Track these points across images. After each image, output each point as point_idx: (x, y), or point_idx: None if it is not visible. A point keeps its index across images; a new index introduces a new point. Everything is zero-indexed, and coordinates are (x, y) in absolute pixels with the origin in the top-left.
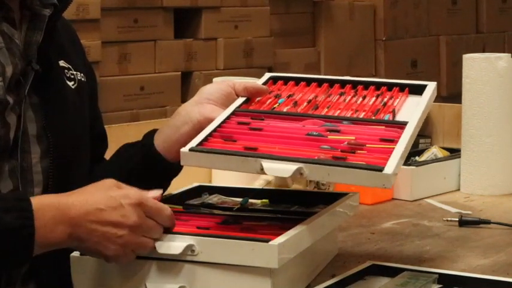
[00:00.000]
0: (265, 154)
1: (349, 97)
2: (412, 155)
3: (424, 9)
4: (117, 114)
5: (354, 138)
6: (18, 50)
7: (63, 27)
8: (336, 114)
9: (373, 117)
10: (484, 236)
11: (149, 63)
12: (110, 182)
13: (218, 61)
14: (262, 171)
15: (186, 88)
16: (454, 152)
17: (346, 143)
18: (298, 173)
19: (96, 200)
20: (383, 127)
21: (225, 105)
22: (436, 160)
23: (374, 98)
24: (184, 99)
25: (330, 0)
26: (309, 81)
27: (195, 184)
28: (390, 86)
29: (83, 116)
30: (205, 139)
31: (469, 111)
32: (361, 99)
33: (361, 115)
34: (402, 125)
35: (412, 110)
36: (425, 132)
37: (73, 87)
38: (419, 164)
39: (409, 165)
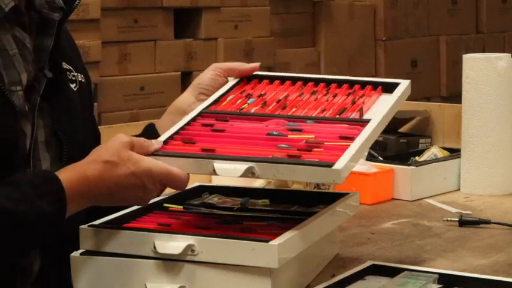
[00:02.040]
0: (217, 155)
1: (320, 95)
2: (412, 155)
3: (424, 9)
4: (117, 114)
5: (313, 136)
6: (31, 56)
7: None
8: (302, 114)
9: (338, 116)
10: (484, 236)
11: (149, 63)
12: (124, 140)
13: (218, 61)
14: (214, 172)
15: (186, 88)
16: (454, 152)
17: (304, 141)
18: (250, 172)
19: (119, 177)
20: (346, 125)
21: None
22: (436, 160)
23: (345, 97)
24: None
25: (330, 0)
26: (283, 80)
27: (196, 184)
28: (363, 84)
29: (87, 117)
30: (165, 142)
31: (469, 111)
32: (331, 97)
33: (328, 114)
34: (365, 122)
35: (381, 108)
36: (425, 132)
37: (75, 89)
38: (419, 164)
39: (409, 165)
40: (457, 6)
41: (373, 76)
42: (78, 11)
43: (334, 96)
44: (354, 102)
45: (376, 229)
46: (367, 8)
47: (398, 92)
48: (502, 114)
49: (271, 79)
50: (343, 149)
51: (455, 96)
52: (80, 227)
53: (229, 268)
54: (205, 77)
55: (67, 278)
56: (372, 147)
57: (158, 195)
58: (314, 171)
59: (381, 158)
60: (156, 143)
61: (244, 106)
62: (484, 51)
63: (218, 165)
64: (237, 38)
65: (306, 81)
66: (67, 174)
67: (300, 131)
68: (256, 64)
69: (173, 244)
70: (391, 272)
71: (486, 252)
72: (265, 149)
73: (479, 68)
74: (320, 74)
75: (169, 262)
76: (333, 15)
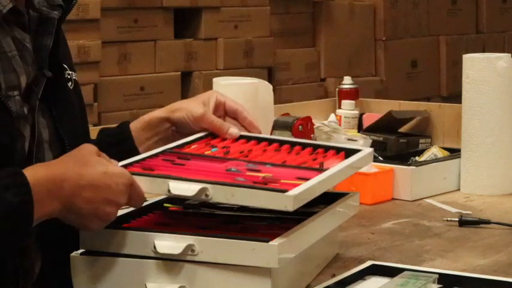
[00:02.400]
0: (172, 176)
1: (284, 154)
2: (412, 155)
3: (424, 9)
4: (117, 114)
5: (271, 175)
6: (31, 57)
7: None
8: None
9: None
10: (484, 236)
11: (149, 63)
12: (91, 149)
13: (218, 61)
14: (169, 192)
15: (186, 88)
16: (454, 152)
17: (261, 177)
18: (203, 193)
19: (90, 175)
20: (304, 170)
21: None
22: (436, 160)
23: (307, 155)
24: (184, 99)
25: (330, 0)
26: (248, 139)
27: None
28: (327, 149)
29: (83, 116)
30: (125, 166)
31: (469, 111)
32: (294, 155)
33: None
34: (323, 170)
35: (340, 164)
36: (425, 132)
37: (71, 87)
38: (419, 164)
39: (409, 165)
40: (457, 6)
41: (373, 76)
42: (78, 11)
43: (297, 154)
44: (315, 159)
45: (376, 229)
46: (367, 8)
47: (357, 156)
48: (502, 114)
49: (237, 138)
50: (298, 185)
51: (455, 96)
52: None
53: (229, 268)
54: (188, 113)
55: (67, 278)
56: (372, 147)
57: (121, 206)
58: (267, 196)
59: (381, 158)
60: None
61: (207, 152)
62: (484, 51)
63: (173, 184)
64: (237, 38)
65: (270, 141)
66: (32, 172)
67: (258, 171)
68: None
69: (173, 244)
70: (391, 272)
71: (486, 252)
72: (223, 179)
73: (479, 68)
74: (320, 74)
75: (169, 262)
76: (333, 15)
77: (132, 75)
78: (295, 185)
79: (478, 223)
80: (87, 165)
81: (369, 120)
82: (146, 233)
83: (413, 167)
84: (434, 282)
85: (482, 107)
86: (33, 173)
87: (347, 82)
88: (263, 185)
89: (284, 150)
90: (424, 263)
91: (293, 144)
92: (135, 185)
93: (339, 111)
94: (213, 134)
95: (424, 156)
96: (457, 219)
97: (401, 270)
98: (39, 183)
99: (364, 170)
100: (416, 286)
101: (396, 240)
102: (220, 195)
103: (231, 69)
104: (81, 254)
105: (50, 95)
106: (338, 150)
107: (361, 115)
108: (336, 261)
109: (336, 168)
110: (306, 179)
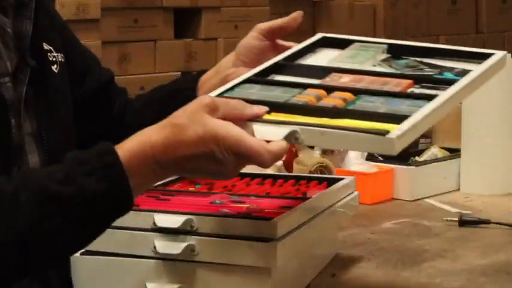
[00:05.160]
0: (158, 209)
1: (267, 186)
2: (412, 155)
3: (424, 9)
4: None
5: (255, 206)
6: (12, 42)
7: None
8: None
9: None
10: (484, 236)
11: (149, 63)
12: (204, 102)
13: (218, 61)
14: (154, 224)
15: None
16: (454, 152)
17: (245, 208)
18: (189, 225)
19: (186, 144)
20: (289, 200)
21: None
22: (436, 160)
23: (290, 187)
24: None
25: (330, 0)
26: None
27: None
28: (309, 180)
29: (69, 102)
30: None
31: (469, 111)
32: (277, 187)
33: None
34: (307, 199)
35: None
36: (425, 132)
37: (56, 71)
38: (419, 164)
39: (409, 165)
40: (457, 6)
41: None
42: (78, 11)
43: (280, 186)
44: (297, 190)
45: (376, 229)
46: (367, 8)
47: (342, 182)
48: (502, 114)
49: None
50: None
51: None
52: None
53: (229, 268)
54: (245, 39)
55: (67, 278)
56: None
57: (240, 170)
58: (246, 223)
59: (381, 158)
60: (257, 108)
61: (191, 188)
62: None
63: (158, 217)
64: (237, 38)
65: (253, 176)
66: (128, 145)
67: (243, 202)
68: (298, 13)
69: (173, 244)
70: (342, 44)
71: (486, 252)
72: (207, 211)
73: None
74: None
75: (169, 262)
76: (333, 15)
77: (132, 75)
78: (280, 213)
79: (478, 223)
80: (186, 128)
81: None
82: (146, 233)
83: (413, 167)
84: (383, 52)
85: (482, 107)
86: (128, 146)
87: None
88: (247, 214)
89: (267, 183)
90: (424, 263)
91: (276, 177)
92: (239, 145)
93: None
94: None
95: (424, 156)
96: (457, 219)
97: (352, 41)
98: (131, 157)
99: (364, 170)
100: (366, 57)
101: (396, 240)
102: (206, 224)
103: None
104: (81, 254)
105: (33, 85)
106: (320, 180)
107: None
108: (335, 261)
109: (318, 196)
110: (290, 208)
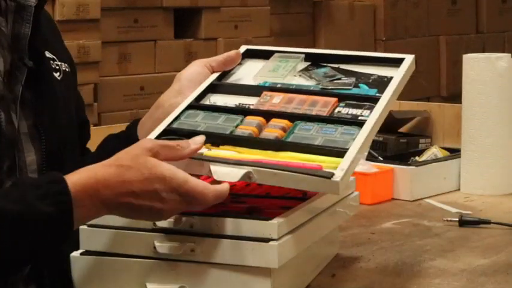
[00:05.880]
0: None
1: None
2: (412, 155)
3: (424, 9)
4: (117, 114)
5: (255, 206)
6: (6, 41)
7: (43, 16)
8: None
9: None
10: (484, 236)
11: (149, 63)
12: (145, 145)
13: None
14: (154, 224)
15: None
16: (454, 152)
17: (245, 208)
18: (189, 225)
19: (131, 184)
20: (289, 200)
21: None
22: (436, 160)
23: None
24: None
25: (330, 0)
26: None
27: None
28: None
29: (71, 108)
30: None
31: (469, 111)
32: (277, 187)
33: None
34: (306, 199)
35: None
36: (426, 132)
37: (59, 78)
38: (419, 164)
39: (409, 165)
40: (457, 6)
41: None
42: (78, 11)
43: (280, 186)
44: (297, 190)
45: (376, 229)
46: (367, 8)
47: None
48: (502, 114)
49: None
50: (281, 213)
51: (455, 96)
52: (80, 227)
53: (229, 268)
54: (187, 71)
55: (67, 278)
56: (371, 147)
57: (181, 210)
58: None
59: (381, 158)
60: (194, 145)
61: None
62: (484, 51)
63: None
64: (237, 38)
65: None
66: (76, 177)
67: (243, 202)
68: (236, 51)
69: (173, 244)
70: (265, 55)
71: (486, 252)
72: (207, 211)
73: (479, 68)
74: None
75: (169, 262)
76: (333, 15)
77: (132, 75)
78: (280, 213)
79: (478, 223)
80: (131, 169)
81: None
82: (146, 233)
83: (413, 167)
84: (302, 60)
85: (482, 107)
86: (75, 178)
87: None
88: (247, 214)
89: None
90: (424, 263)
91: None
92: (184, 186)
93: None
94: None
95: (424, 156)
96: (457, 219)
97: (272, 52)
98: (79, 189)
99: (364, 170)
100: (286, 70)
101: (396, 240)
102: (205, 225)
103: None
104: (81, 254)
105: (32, 86)
106: None
107: None
108: (335, 261)
109: (317, 200)
110: (289, 208)
